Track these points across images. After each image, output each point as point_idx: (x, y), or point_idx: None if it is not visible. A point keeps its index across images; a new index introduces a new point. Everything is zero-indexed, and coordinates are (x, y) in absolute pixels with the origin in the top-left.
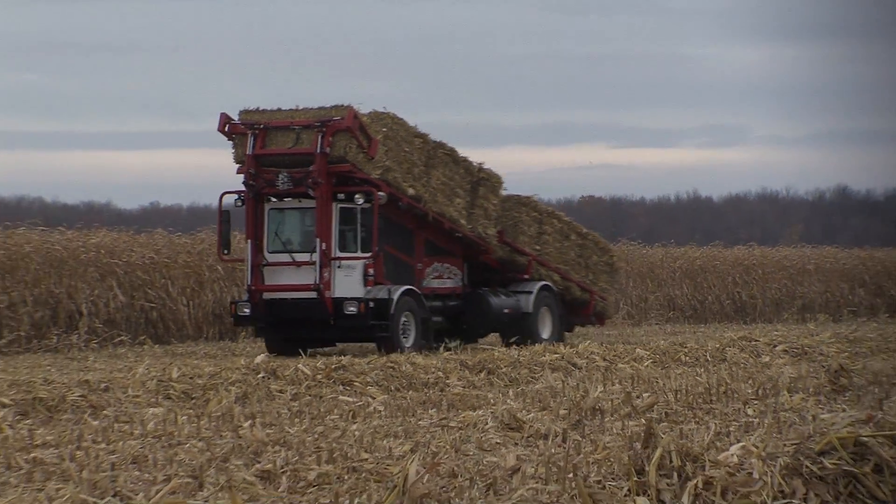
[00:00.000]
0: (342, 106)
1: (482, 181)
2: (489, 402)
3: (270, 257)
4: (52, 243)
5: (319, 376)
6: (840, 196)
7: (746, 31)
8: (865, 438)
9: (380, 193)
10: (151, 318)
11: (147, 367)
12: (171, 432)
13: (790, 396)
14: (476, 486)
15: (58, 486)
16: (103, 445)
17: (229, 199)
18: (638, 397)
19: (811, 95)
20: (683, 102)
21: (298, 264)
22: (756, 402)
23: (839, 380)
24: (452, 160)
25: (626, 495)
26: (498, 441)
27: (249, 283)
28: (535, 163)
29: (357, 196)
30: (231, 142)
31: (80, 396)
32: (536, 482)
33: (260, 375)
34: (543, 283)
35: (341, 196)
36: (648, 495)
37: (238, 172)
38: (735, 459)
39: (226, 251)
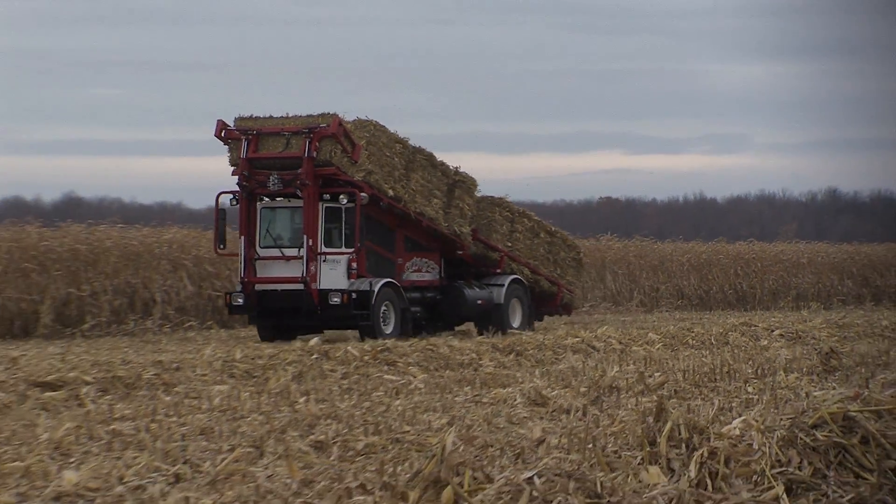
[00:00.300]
0: (328, 114)
1: (458, 183)
2: (517, 380)
3: (262, 252)
4: (130, 239)
5: (366, 357)
6: (830, 197)
7: (747, 50)
8: (853, 413)
9: (362, 194)
10: (217, 306)
11: (213, 349)
12: (234, 407)
13: (786, 376)
14: (506, 456)
15: (134, 454)
16: (175, 418)
17: (225, 199)
18: (650, 376)
19: (805, 107)
20: (690, 113)
21: (288, 258)
22: (755, 380)
23: (830, 361)
24: (430, 164)
25: (639, 464)
26: (525, 415)
27: (242, 275)
28: (559, 167)
29: (341, 196)
30: (227, 146)
31: (154, 375)
32: (559, 452)
33: (314, 356)
34: (514, 276)
35: (327, 196)
36: (660, 464)
37: (233, 174)
38: (737, 432)
39: (221, 246)
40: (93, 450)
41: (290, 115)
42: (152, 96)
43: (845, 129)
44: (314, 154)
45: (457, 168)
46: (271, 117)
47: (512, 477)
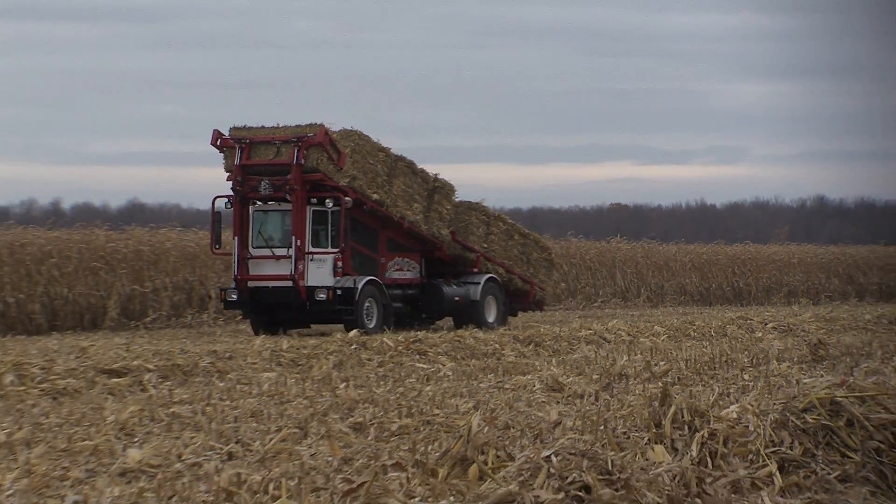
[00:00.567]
0: (315, 124)
1: (437, 189)
2: (536, 368)
3: (254, 251)
4: (188, 241)
5: (400, 347)
6: (818, 204)
7: (745, 71)
8: (839, 399)
9: (347, 199)
10: None
11: (262, 340)
12: (281, 392)
13: (778, 364)
14: (526, 436)
15: (191, 434)
16: (227, 402)
17: (220, 203)
18: (656, 365)
19: (797, 123)
20: (693, 128)
21: (278, 258)
22: (751, 369)
23: (818, 351)
24: (411, 171)
25: (646, 444)
26: (543, 400)
27: (236, 273)
28: (574, 176)
29: (327, 200)
30: (222, 154)
31: (209, 363)
32: (574, 433)
33: (353, 347)
34: (490, 275)
35: (314, 200)
36: (664, 444)
37: (227, 180)
38: (734, 415)
39: (217, 246)
40: (154, 430)
41: (281, 126)
42: (208, 112)
43: (832, 142)
44: (302, 161)
45: (436, 175)
46: (263, 127)
47: (531, 455)
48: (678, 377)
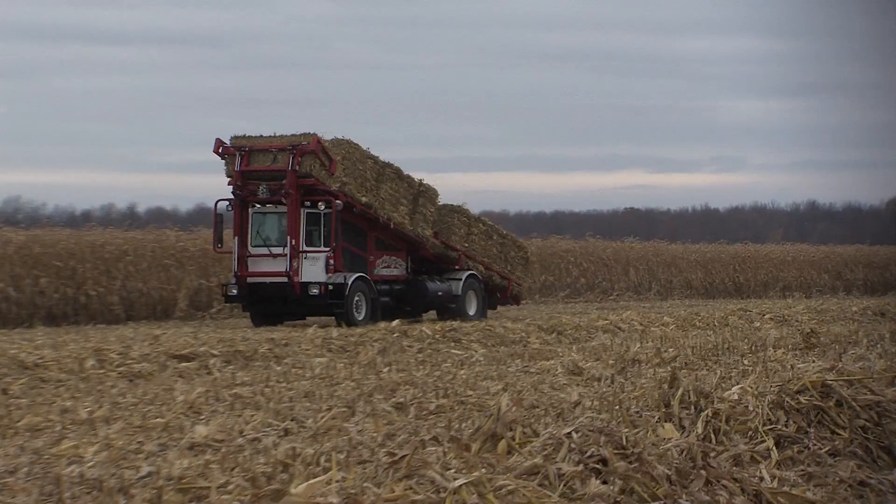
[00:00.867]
0: (309, 133)
1: (422, 193)
2: (558, 354)
3: (253, 250)
4: None
5: (437, 336)
6: (811, 208)
7: (745, 89)
8: (830, 382)
9: (337, 202)
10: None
11: (315, 329)
12: (331, 375)
13: (775, 351)
14: (549, 415)
15: (252, 413)
16: (284, 384)
17: (222, 205)
18: (665, 351)
19: (791, 136)
20: (699, 140)
21: (274, 256)
22: (750, 355)
23: (810, 339)
24: (398, 176)
25: (656, 422)
26: (565, 382)
27: (236, 270)
28: (592, 183)
29: (320, 203)
30: (223, 161)
31: (267, 349)
32: (592, 412)
33: (395, 335)
34: (470, 272)
35: (308, 203)
36: (673, 422)
37: (229, 184)
38: (735, 396)
39: (219, 245)
40: (219, 409)
41: (277, 135)
42: (266, 127)
43: (822, 152)
44: (297, 167)
45: (421, 180)
46: (261, 136)
47: (554, 432)
48: (685, 362)
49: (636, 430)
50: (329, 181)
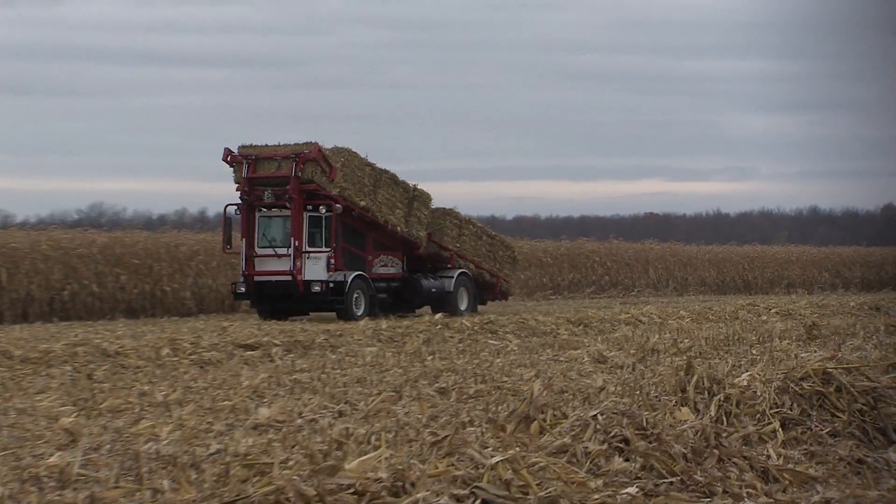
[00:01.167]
0: (311, 142)
1: (416, 197)
2: (585, 344)
3: (259, 251)
4: None
5: (476, 328)
6: (813, 213)
7: (754, 106)
8: (830, 369)
9: (337, 206)
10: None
11: (366, 322)
12: (381, 363)
13: (780, 342)
14: (576, 399)
15: (309, 396)
16: (338, 371)
17: (230, 210)
18: (681, 342)
19: (795, 148)
20: (712, 152)
21: (279, 256)
22: (758, 345)
23: (812, 331)
24: (394, 182)
25: (673, 405)
26: (591, 370)
27: (244, 269)
28: (616, 190)
29: (321, 207)
30: (232, 168)
31: (324, 339)
32: (616, 396)
33: (438, 327)
34: (462, 270)
35: (310, 207)
36: (688, 405)
37: (237, 190)
38: (745, 382)
39: (228, 246)
40: (280, 393)
41: (281, 144)
42: (326, 140)
43: (823, 163)
44: (299, 174)
45: (415, 185)
46: (266, 145)
47: (581, 414)
48: (699, 352)
49: (655, 413)
50: (329, 186)
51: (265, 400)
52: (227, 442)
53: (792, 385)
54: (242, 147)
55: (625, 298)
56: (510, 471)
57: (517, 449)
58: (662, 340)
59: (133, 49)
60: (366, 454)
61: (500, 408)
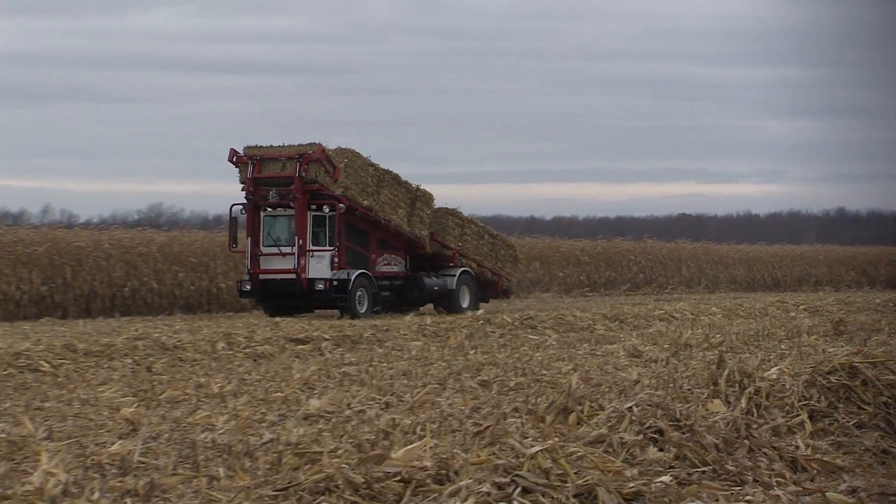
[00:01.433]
0: (314, 143)
1: (419, 197)
2: (621, 339)
3: (265, 249)
4: None
5: (516, 323)
6: (839, 214)
7: (783, 111)
8: (856, 364)
9: (340, 205)
10: None
11: (411, 317)
12: (425, 356)
13: (808, 337)
14: (613, 391)
15: (358, 388)
16: (385, 364)
17: (236, 209)
18: (713, 337)
19: (822, 151)
20: (743, 155)
21: (284, 254)
22: (787, 340)
23: (839, 327)
24: (396, 182)
25: (706, 398)
26: (626, 363)
27: (249, 267)
28: (650, 192)
29: (325, 207)
30: (237, 169)
31: (371, 334)
32: (650, 389)
33: (480, 322)
34: (464, 268)
35: (314, 207)
36: (720, 398)
37: (242, 190)
38: (774, 376)
39: (234, 245)
40: (329, 385)
41: (286, 145)
42: (373, 144)
43: (849, 166)
44: (303, 174)
45: (418, 186)
46: (271, 146)
47: (617, 406)
48: (730, 346)
49: (688, 405)
50: (333, 186)
51: (315, 391)
52: (279, 431)
53: (819, 378)
54: (248, 148)
55: (659, 295)
56: (549, 460)
57: (556, 439)
58: (695, 336)
59: (191, 58)
60: (411, 444)
61: (539, 400)
